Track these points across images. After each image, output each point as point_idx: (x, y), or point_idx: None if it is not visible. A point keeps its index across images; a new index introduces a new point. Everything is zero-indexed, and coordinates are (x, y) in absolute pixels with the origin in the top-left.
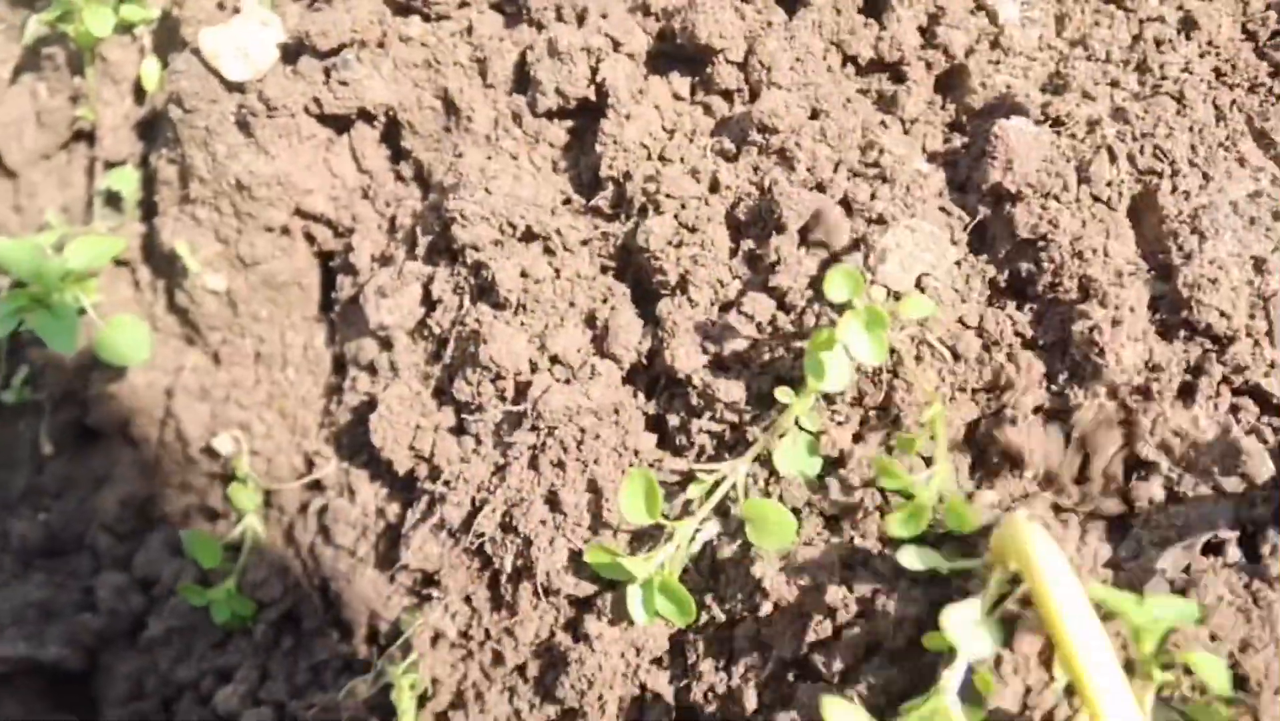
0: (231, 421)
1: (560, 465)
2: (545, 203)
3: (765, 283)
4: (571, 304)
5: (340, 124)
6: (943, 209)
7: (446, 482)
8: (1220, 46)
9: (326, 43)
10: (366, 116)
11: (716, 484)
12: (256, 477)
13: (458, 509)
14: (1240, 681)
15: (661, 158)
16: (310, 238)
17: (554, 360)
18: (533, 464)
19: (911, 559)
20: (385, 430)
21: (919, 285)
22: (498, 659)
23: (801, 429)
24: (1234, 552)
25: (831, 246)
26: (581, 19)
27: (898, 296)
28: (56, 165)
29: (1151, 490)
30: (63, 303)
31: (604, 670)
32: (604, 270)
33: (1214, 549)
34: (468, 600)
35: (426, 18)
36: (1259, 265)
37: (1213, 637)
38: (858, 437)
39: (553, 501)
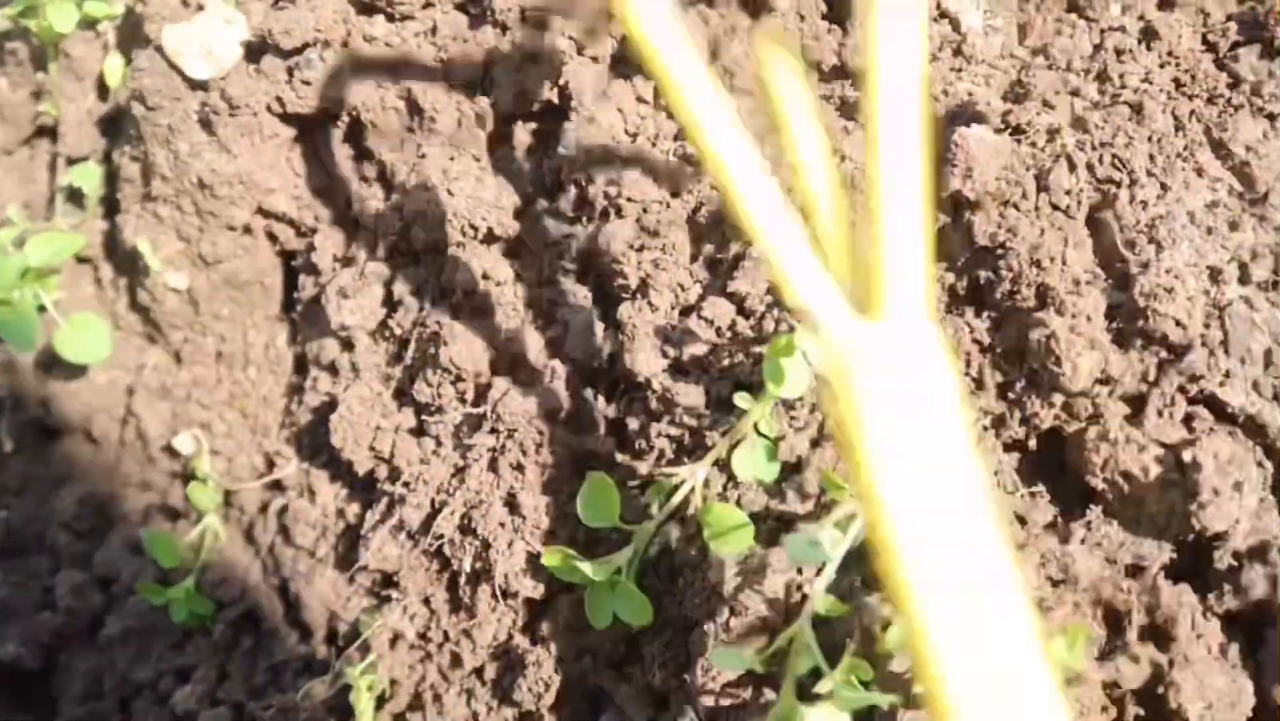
0: (192, 420)
1: (519, 468)
2: (507, 205)
3: (725, 287)
4: (532, 307)
5: (304, 123)
6: None
7: (406, 484)
8: (1180, 57)
9: (290, 41)
10: (330, 116)
11: (675, 487)
12: (217, 477)
13: (417, 510)
14: None
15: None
16: (272, 237)
17: (514, 363)
18: (492, 466)
19: None
20: (345, 431)
21: None
22: (456, 661)
23: (760, 434)
24: None
25: None
26: (543, 23)
27: None
28: (18, 161)
29: None
30: (23, 300)
31: (560, 673)
32: (565, 273)
33: None
34: (426, 602)
35: (390, 18)
36: (1215, 275)
37: None
38: (815, 443)
39: (512, 504)
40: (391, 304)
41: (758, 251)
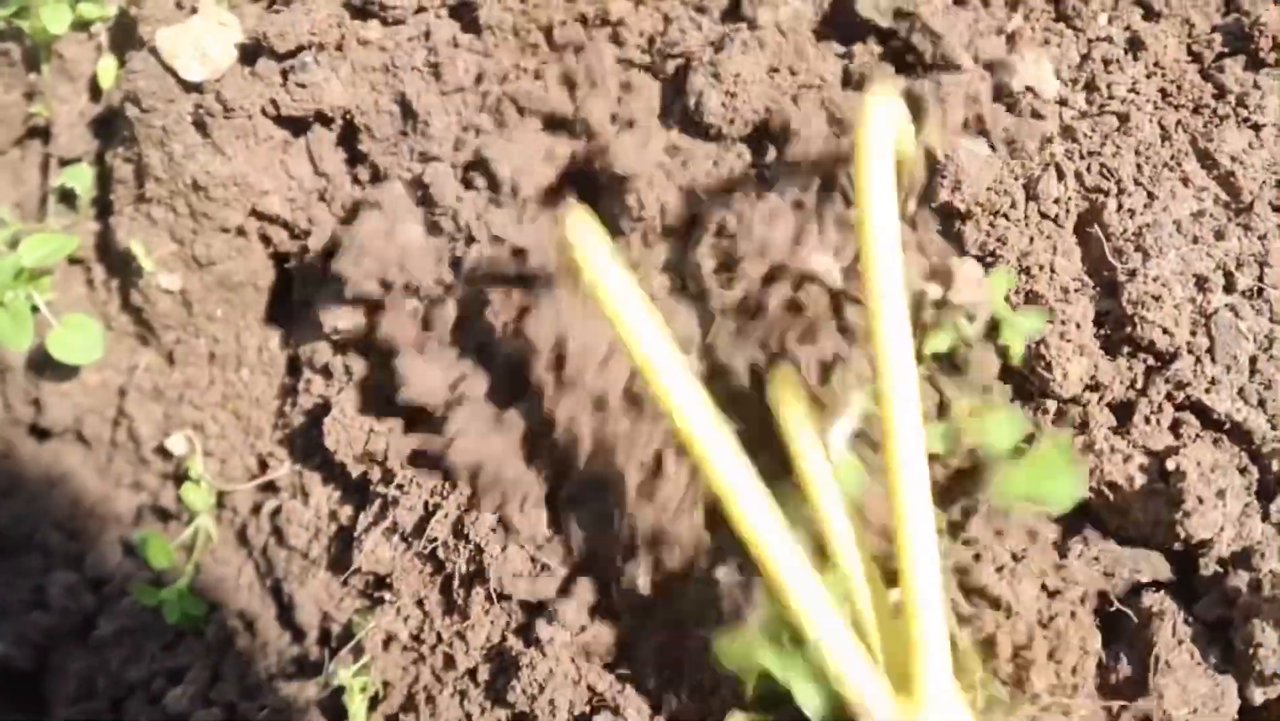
0: (185, 421)
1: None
2: None
3: None
4: None
5: (297, 126)
6: None
7: (399, 486)
8: (1166, 67)
9: (284, 44)
10: (324, 119)
11: None
12: (209, 479)
13: (410, 513)
14: None
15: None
16: (266, 239)
17: None
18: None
19: None
20: (338, 433)
21: None
22: (449, 662)
23: None
24: None
25: None
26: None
27: None
28: (10, 161)
29: None
30: (16, 300)
31: (555, 674)
32: None
33: None
34: (420, 604)
35: (384, 22)
36: (1201, 283)
37: None
38: None
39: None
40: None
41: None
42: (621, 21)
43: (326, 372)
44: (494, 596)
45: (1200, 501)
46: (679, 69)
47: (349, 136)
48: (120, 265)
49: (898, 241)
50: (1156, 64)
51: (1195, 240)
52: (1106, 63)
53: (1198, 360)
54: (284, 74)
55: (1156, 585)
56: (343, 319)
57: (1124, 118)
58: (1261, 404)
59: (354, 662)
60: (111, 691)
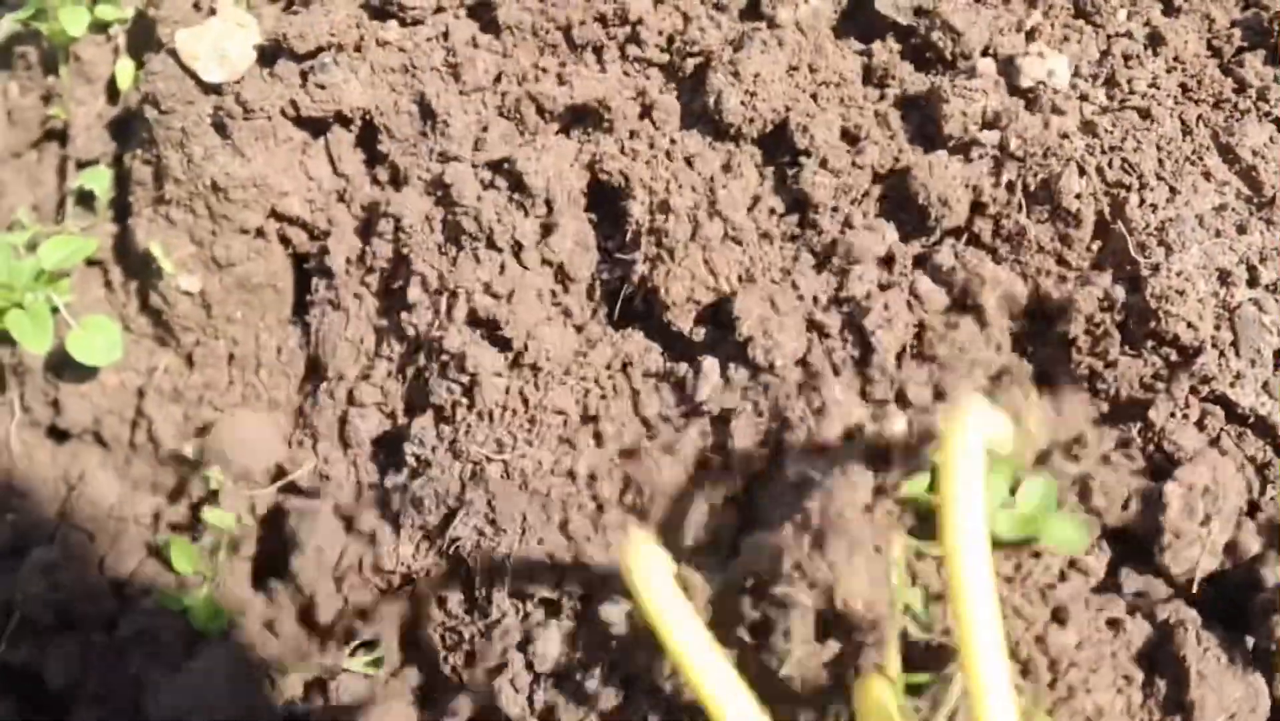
0: (205, 423)
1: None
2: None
3: None
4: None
5: (317, 127)
6: None
7: (422, 486)
8: (1186, 62)
9: (304, 45)
10: (343, 120)
11: None
12: (230, 480)
13: (434, 512)
14: None
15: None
16: (285, 240)
17: (534, 369)
18: (507, 469)
19: None
20: (359, 433)
21: None
22: (470, 660)
23: None
24: None
25: None
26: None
27: None
28: (28, 164)
29: None
30: (35, 302)
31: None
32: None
33: None
34: (442, 601)
35: (403, 22)
36: (1224, 277)
37: None
38: None
39: (525, 506)
40: (407, 306)
41: None
42: (640, 21)
43: (346, 373)
44: (517, 595)
45: (1177, 536)
46: (698, 67)
47: (368, 137)
48: (139, 267)
49: (989, 578)
50: (1177, 59)
51: (1218, 234)
52: (1127, 58)
53: (1221, 354)
54: (303, 75)
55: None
56: None
57: (1145, 113)
58: None
59: (376, 662)
60: (132, 693)
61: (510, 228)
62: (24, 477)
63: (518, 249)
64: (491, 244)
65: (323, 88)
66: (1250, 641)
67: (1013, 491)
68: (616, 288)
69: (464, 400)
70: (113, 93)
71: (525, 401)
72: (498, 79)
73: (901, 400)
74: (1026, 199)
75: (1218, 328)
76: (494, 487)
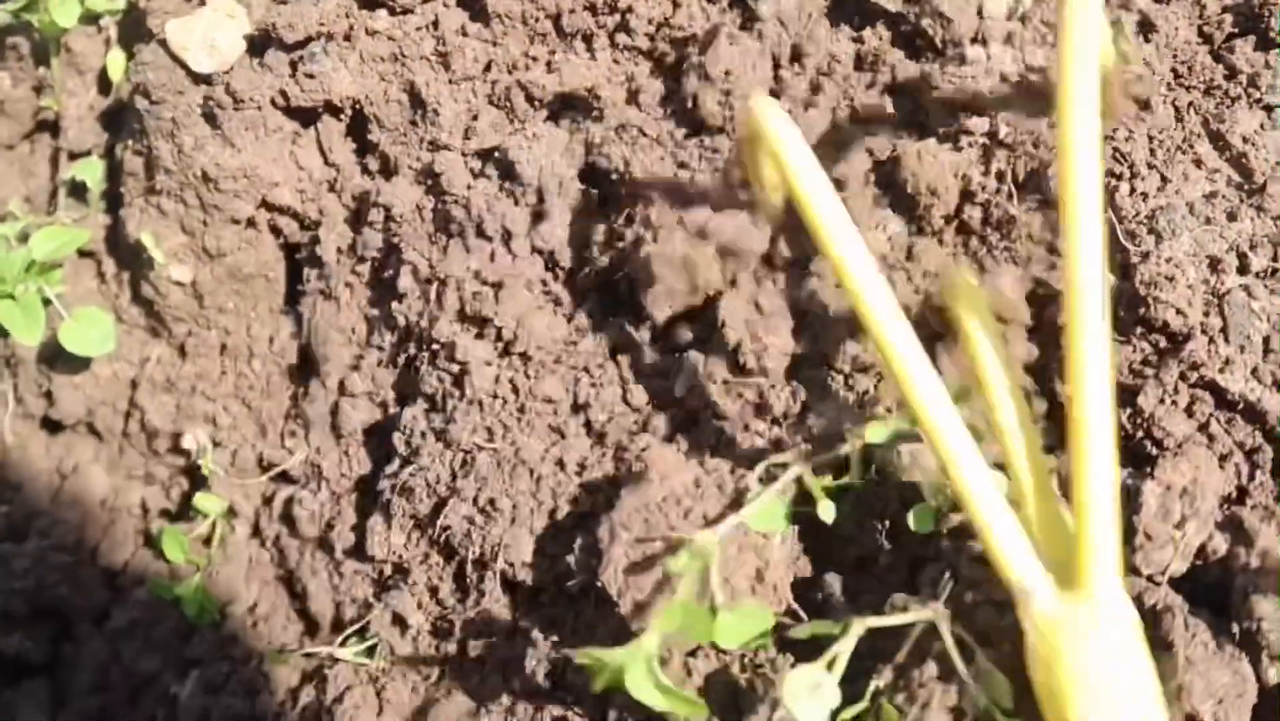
0: (197, 413)
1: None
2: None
3: None
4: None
5: (307, 117)
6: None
7: (412, 475)
8: (1177, 49)
9: (293, 35)
10: (333, 109)
11: None
12: (222, 470)
13: (424, 501)
14: None
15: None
16: (276, 230)
17: (524, 358)
18: (497, 458)
19: None
20: (350, 422)
21: None
22: (463, 649)
23: None
24: None
25: None
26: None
27: None
28: (19, 155)
29: None
30: (27, 293)
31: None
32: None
33: None
34: (433, 590)
35: (392, 11)
36: (1214, 264)
37: None
38: None
39: (516, 494)
40: (397, 295)
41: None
42: (630, 9)
43: (338, 362)
44: (507, 583)
45: (1149, 538)
46: (683, 57)
47: (358, 126)
48: (131, 258)
49: (1099, 158)
50: (1167, 45)
51: (1208, 221)
52: None
53: (1211, 340)
54: (293, 65)
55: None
56: None
57: (1136, 100)
58: (1276, 384)
59: (367, 650)
60: (127, 683)
61: (500, 216)
62: (17, 468)
63: (507, 237)
64: (481, 233)
65: (312, 77)
66: (1235, 627)
67: None
68: (607, 276)
69: (454, 389)
70: (104, 84)
71: (515, 390)
72: (487, 67)
73: None
74: (1016, 187)
75: (1207, 314)
76: (484, 476)
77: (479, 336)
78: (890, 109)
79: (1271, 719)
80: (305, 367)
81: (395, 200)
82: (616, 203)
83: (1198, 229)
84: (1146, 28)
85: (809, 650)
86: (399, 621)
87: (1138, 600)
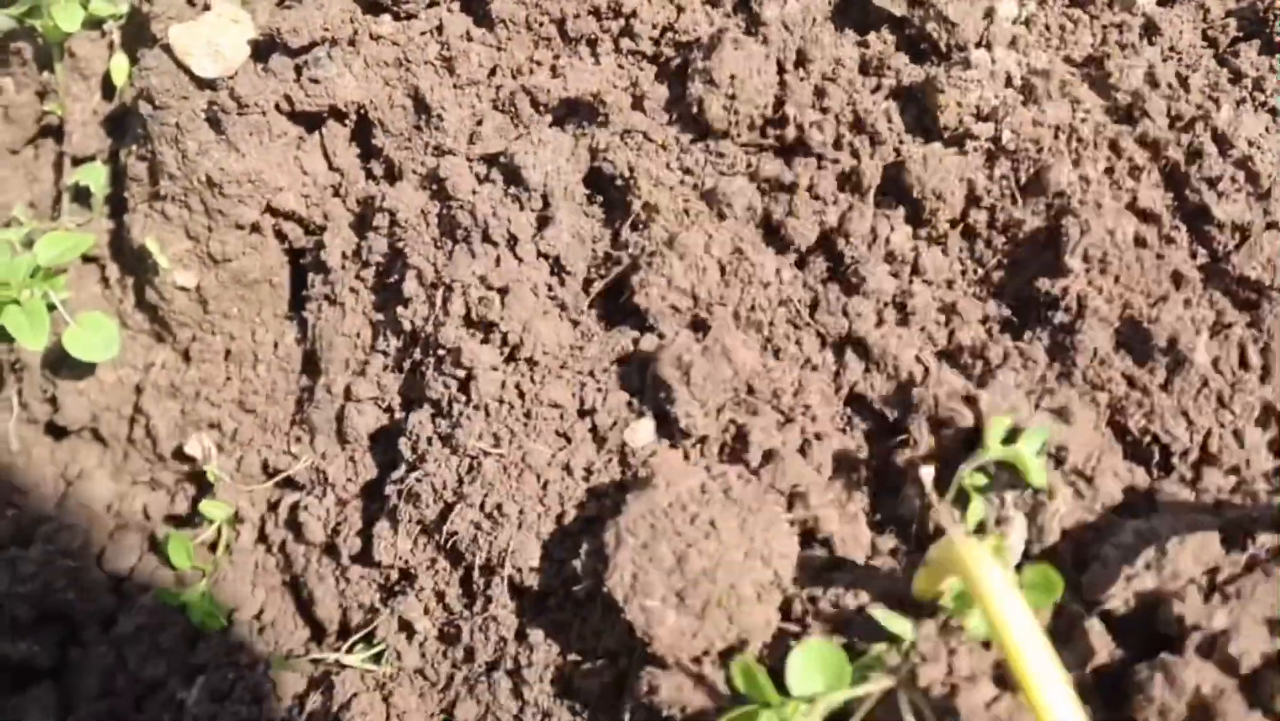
0: (202, 419)
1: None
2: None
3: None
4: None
5: (311, 121)
6: None
7: (419, 480)
8: (1182, 52)
9: (298, 40)
10: (337, 114)
11: None
12: (227, 476)
13: (431, 507)
14: None
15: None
16: (281, 235)
17: (530, 363)
18: (504, 463)
19: None
20: (356, 428)
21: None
22: (469, 654)
23: None
24: None
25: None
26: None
27: None
28: (24, 160)
29: None
30: (31, 299)
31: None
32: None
33: None
34: (440, 596)
35: (397, 16)
36: None
37: None
38: None
39: (522, 499)
40: (403, 300)
41: None
42: (634, 14)
43: (343, 367)
44: (514, 588)
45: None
46: (687, 61)
47: (363, 131)
48: (135, 263)
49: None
50: (1172, 49)
51: None
52: (1122, 48)
53: None
54: (297, 70)
55: None
56: None
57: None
58: None
59: (374, 655)
60: (133, 689)
61: (505, 221)
62: (22, 474)
63: (513, 242)
64: (487, 237)
65: (317, 82)
66: None
67: None
68: (613, 281)
69: (460, 394)
70: (108, 89)
71: (521, 395)
72: (492, 72)
73: None
74: (1020, 191)
75: None
76: (491, 481)
77: (485, 341)
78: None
79: None
80: (310, 373)
81: (400, 205)
82: (622, 207)
83: None
84: (1151, 30)
85: None
86: (406, 627)
87: None
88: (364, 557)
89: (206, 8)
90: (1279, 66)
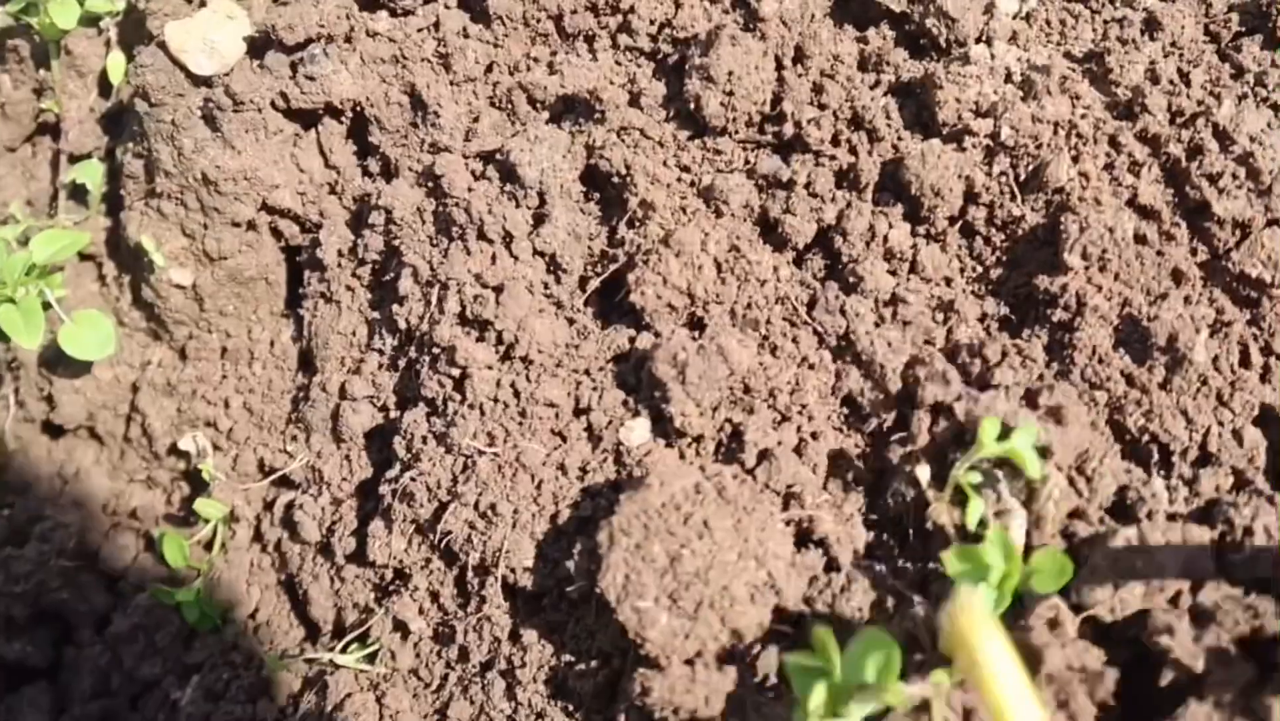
0: (198, 417)
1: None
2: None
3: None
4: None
5: (307, 119)
6: None
7: (413, 479)
8: (1184, 47)
9: (293, 37)
10: (333, 111)
11: None
12: (223, 474)
13: (425, 506)
14: None
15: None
16: (277, 233)
17: (526, 361)
18: (498, 462)
19: None
20: (351, 426)
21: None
22: (464, 654)
23: None
24: None
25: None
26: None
27: None
28: (20, 158)
29: None
30: (28, 297)
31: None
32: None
33: None
34: (434, 595)
35: (393, 12)
36: None
37: None
38: None
39: (517, 499)
40: (399, 299)
41: None
42: (632, 10)
43: (339, 365)
44: (508, 588)
45: None
46: (685, 57)
47: (359, 128)
48: (131, 261)
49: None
50: (1174, 44)
51: None
52: (1123, 43)
53: None
54: (293, 67)
55: None
56: None
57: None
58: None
59: (368, 655)
60: (128, 688)
61: (501, 218)
62: (18, 472)
63: (508, 240)
64: (482, 235)
65: (313, 79)
66: None
67: None
68: (609, 279)
69: (455, 393)
70: (105, 86)
71: (516, 394)
72: (489, 69)
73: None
74: (1019, 188)
75: None
76: (485, 480)
77: (480, 340)
78: (894, 109)
79: None
80: (306, 371)
81: (396, 203)
82: (619, 204)
83: None
84: (1153, 25)
85: None
86: (400, 627)
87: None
88: (359, 557)
89: (203, 4)
90: None
